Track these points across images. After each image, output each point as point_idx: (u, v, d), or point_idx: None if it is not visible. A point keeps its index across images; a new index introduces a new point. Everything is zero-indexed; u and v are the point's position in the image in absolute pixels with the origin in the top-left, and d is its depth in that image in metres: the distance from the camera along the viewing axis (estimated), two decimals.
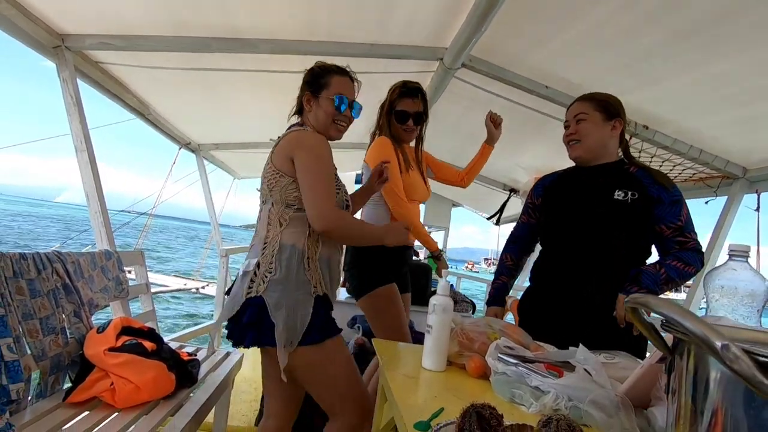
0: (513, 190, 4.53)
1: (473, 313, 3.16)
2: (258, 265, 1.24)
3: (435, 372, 0.99)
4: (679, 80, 1.93)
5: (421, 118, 1.95)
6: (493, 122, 2.08)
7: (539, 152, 3.51)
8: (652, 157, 2.72)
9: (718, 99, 1.97)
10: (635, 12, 1.60)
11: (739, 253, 0.87)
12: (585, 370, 0.90)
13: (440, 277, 1.83)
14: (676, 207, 1.34)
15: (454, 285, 5.71)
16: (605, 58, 1.98)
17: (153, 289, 3.37)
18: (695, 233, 1.36)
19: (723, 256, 2.78)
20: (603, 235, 1.38)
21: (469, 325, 1.10)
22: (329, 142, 1.37)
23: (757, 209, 2.49)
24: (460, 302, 3.15)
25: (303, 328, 1.19)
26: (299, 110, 1.44)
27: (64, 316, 1.50)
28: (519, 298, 1.67)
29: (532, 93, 2.43)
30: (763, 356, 0.26)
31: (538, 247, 1.68)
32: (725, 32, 1.55)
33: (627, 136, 2.53)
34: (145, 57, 2.28)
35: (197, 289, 6.53)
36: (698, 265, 1.32)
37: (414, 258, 5.22)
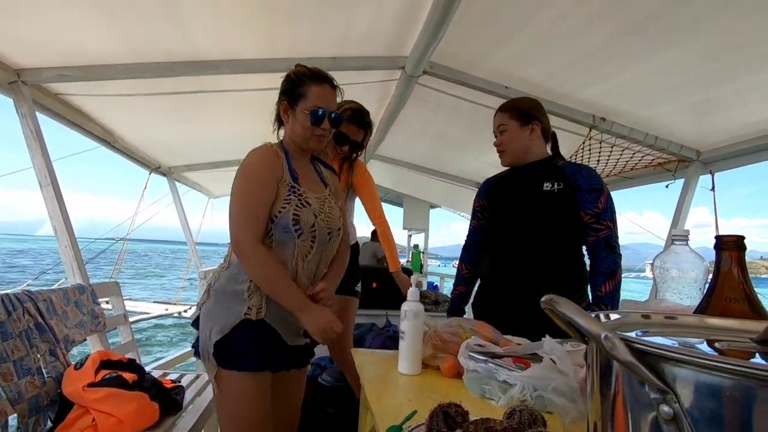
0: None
1: None
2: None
3: (411, 376, 1.03)
4: (628, 73, 2.03)
5: (358, 146, 2.01)
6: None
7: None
8: (612, 147, 2.83)
9: (666, 88, 2.08)
10: (581, 12, 1.69)
11: (680, 238, 0.93)
12: (551, 359, 0.95)
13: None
14: (595, 194, 1.43)
15: (438, 286, 5.77)
16: (558, 57, 2.07)
17: (133, 318, 3.31)
18: (612, 222, 1.44)
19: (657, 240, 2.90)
20: (536, 223, 1.48)
21: (441, 327, 1.14)
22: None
23: (712, 189, 2.62)
24: (443, 303, 3.20)
25: (212, 342, 1.13)
26: (278, 119, 1.34)
27: (39, 356, 1.47)
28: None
29: (493, 94, 2.50)
30: (636, 343, 0.30)
31: None
32: (666, 26, 1.64)
33: (587, 129, 2.68)
34: (107, 85, 2.26)
35: (179, 313, 6.40)
36: (613, 265, 1.41)
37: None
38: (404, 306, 1.05)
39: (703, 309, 0.56)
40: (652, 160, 2.90)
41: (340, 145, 1.95)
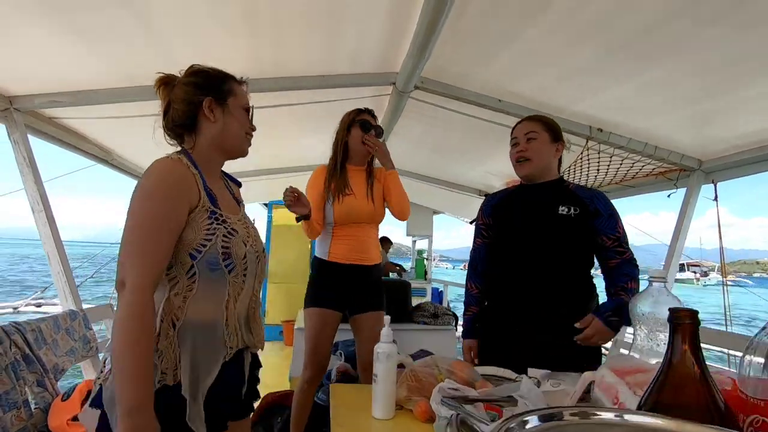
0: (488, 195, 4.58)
1: (456, 325, 3.17)
2: None
3: (384, 420, 1.01)
4: (620, 88, 2.00)
5: (381, 132, 2.04)
6: (369, 146, 1.98)
7: (506, 159, 3.56)
8: (611, 157, 2.78)
9: (661, 102, 2.04)
10: (566, 31, 1.67)
11: (657, 279, 0.90)
12: (526, 404, 0.92)
13: None
14: (612, 220, 1.45)
15: (443, 293, 5.73)
16: (548, 73, 2.04)
17: None
18: (628, 244, 1.49)
19: (689, 243, 2.84)
20: (551, 249, 1.45)
21: (419, 367, 1.11)
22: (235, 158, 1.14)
23: (715, 199, 2.55)
24: (442, 315, 3.16)
25: None
26: (185, 124, 1.07)
27: (26, 389, 1.49)
28: None
29: (486, 107, 2.48)
30: None
31: None
32: (652, 44, 1.61)
33: (583, 140, 2.63)
34: (98, 109, 2.28)
35: None
36: (635, 272, 1.46)
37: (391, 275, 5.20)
38: (377, 348, 1.02)
39: (659, 386, 0.53)
40: (653, 169, 2.85)
41: (367, 131, 1.96)
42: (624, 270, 1.45)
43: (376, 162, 2.12)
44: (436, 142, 3.53)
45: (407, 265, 6.97)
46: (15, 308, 3.10)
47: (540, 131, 1.51)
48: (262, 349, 1.15)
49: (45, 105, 2.11)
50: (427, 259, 5.90)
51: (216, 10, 1.67)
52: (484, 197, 4.74)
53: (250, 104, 1.14)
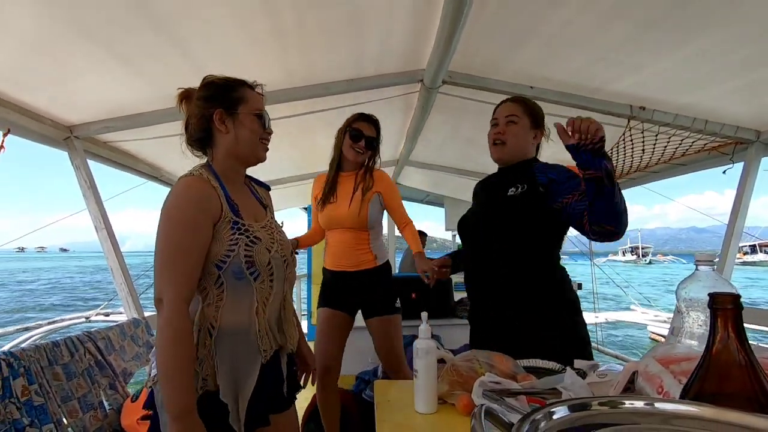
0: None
1: None
2: None
3: (426, 415, 1.02)
4: (661, 63, 1.89)
5: (373, 144, 2.00)
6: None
7: (542, 147, 3.46)
8: (656, 136, 2.63)
9: (707, 74, 1.91)
10: (595, 11, 1.61)
11: (705, 262, 0.86)
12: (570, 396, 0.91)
13: None
14: (574, 180, 1.28)
15: None
16: (580, 54, 1.97)
17: None
18: None
19: (749, 222, 2.64)
20: (498, 233, 1.39)
21: (459, 361, 1.12)
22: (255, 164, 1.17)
23: None
24: None
25: None
26: (202, 137, 1.12)
27: (101, 391, 1.63)
28: None
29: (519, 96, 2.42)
30: None
31: None
32: (692, 14, 1.52)
33: (625, 120, 2.51)
34: (147, 130, 2.44)
35: None
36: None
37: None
38: (416, 344, 1.04)
39: (702, 374, 0.51)
40: (705, 144, 2.67)
41: (356, 141, 1.96)
42: None
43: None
44: (468, 135, 3.48)
45: None
46: (87, 317, 3.37)
47: (521, 115, 1.45)
48: (294, 349, 1.20)
49: (100, 131, 2.29)
50: None
51: (245, 30, 1.75)
52: None
53: (264, 108, 1.15)
